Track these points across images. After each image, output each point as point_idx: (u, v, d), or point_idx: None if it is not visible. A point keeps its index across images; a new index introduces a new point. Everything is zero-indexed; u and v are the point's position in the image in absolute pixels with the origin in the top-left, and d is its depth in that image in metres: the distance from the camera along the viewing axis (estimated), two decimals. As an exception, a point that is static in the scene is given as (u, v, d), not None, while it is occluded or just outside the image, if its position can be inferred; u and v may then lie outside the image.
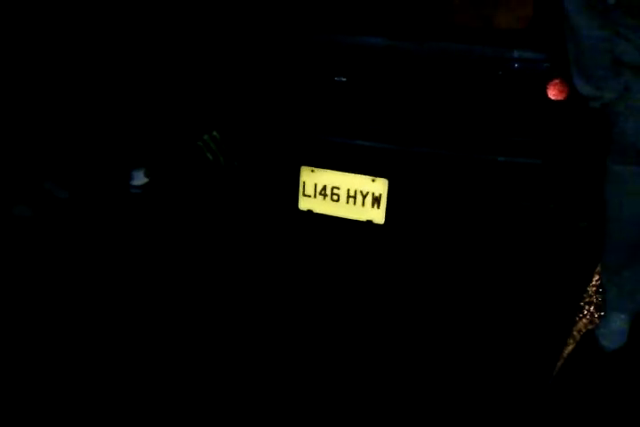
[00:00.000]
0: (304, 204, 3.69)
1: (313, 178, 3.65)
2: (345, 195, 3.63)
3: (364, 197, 3.60)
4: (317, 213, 3.68)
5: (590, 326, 3.24)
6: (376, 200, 3.58)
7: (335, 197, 3.64)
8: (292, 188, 3.67)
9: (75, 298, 3.43)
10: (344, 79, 3.58)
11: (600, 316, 3.25)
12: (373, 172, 3.56)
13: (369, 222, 3.60)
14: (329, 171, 3.64)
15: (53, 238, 3.96)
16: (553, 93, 3.30)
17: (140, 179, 4.46)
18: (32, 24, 3.86)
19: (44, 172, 4.20)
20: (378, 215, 3.60)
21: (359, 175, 3.59)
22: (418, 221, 3.65)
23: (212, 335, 3.19)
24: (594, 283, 3.55)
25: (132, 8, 4.12)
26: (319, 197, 3.66)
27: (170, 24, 4.19)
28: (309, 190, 3.67)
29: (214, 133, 3.81)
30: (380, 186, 3.56)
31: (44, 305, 3.36)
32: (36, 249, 3.85)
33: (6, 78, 3.82)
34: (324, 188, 3.65)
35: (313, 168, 3.64)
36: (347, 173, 3.61)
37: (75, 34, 4.01)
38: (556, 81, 3.28)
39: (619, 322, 3.10)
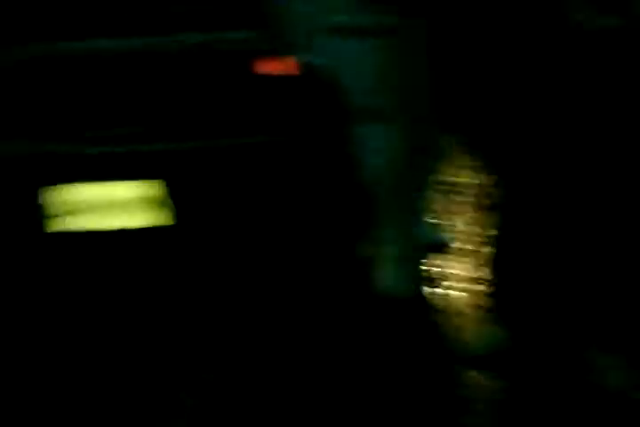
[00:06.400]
0: (58, 224, 3.42)
1: (64, 195, 3.41)
2: (105, 205, 3.42)
3: (137, 202, 3.42)
4: (83, 231, 3.42)
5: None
6: (151, 203, 3.41)
7: (95, 210, 3.42)
8: (38, 209, 3.42)
9: None
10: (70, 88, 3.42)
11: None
12: (142, 175, 3.41)
13: (154, 227, 3.42)
14: (83, 183, 3.42)
15: None
16: (266, 68, 3.29)
17: None
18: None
19: None
20: (160, 218, 3.43)
21: (116, 181, 3.42)
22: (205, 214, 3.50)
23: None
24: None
25: None
26: (75, 214, 3.42)
27: None
28: (60, 210, 3.41)
29: None
30: (150, 188, 3.41)
31: None
32: None
33: None
34: (77, 203, 3.41)
35: (63, 184, 3.40)
36: (103, 182, 3.43)
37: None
38: (266, 57, 3.28)
39: (392, 266, 3.25)
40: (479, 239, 2.93)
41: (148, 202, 3.41)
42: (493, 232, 2.75)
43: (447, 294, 3.28)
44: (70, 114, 3.44)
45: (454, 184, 3.32)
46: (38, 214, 3.39)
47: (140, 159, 3.42)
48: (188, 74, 3.38)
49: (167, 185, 3.39)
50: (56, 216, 3.41)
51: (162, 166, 3.42)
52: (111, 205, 3.43)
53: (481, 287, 2.87)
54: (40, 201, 3.39)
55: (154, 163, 3.42)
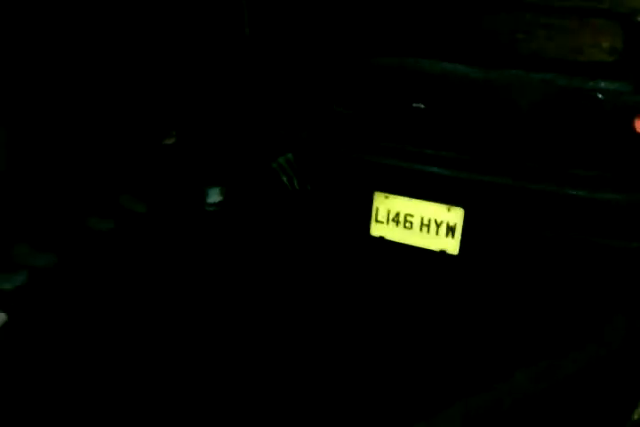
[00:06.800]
0: (376, 230, 3.66)
1: (386, 204, 3.62)
2: (418, 223, 3.58)
3: (439, 226, 3.53)
4: (389, 240, 3.64)
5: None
6: (450, 230, 3.51)
7: (408, 225, 3.59)
8: (364, 213, 3.65)
9: (152, 310, 3.52)
10: (422, 106, 3.57)
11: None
12: (449, 200, 3.49)
13: (442, 252, 3.52)
14: (403, 197, 3.60)
15: (131, 252, 4.09)
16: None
17: (215, 197, 4.57)
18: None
19: (121, 184, 4.36)
20: (452, 245, 3.52)
21: (434, 203, 3.53)
22: (493, 252, 3.54)
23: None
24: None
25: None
26: (392, 224, 3.63)
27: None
28: (382, 216, 3.64)
29: (289, 156, 3.86)
30: (455, 215, 3.49)
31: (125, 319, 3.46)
32: (113, 262, 3.97)
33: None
34: (398, 214, 3.61)
35: (387, 194, 3.61)
36: (421, 201, 3.56)
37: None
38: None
39: None
40: None
41: (450, 228, 3.49)
42: None
43: None
44: (419, 133, 3.63)
45: None
46: (368, 217, 3.66)
47: (465, 188, 3.49)
48: (549, 114, 3.37)
49: (467, 217, 3.45)
50: (380, 222, 3.63)
51: (481, 199, 3.47)
52: (420, 223, 3.55)
53: None
54: (371, 206, 3.66)
55: (474, 194, 3.48)
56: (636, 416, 2.83)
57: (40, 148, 3.77)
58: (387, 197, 3.62)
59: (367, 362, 3.19)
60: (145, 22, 4.20)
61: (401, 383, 3.03)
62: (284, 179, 3.89)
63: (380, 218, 3.65)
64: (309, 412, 2.82)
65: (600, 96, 3.26)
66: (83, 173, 4.05)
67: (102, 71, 4.02)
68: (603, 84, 3.28)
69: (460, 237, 3.49)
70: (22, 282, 3.66)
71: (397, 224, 3.62)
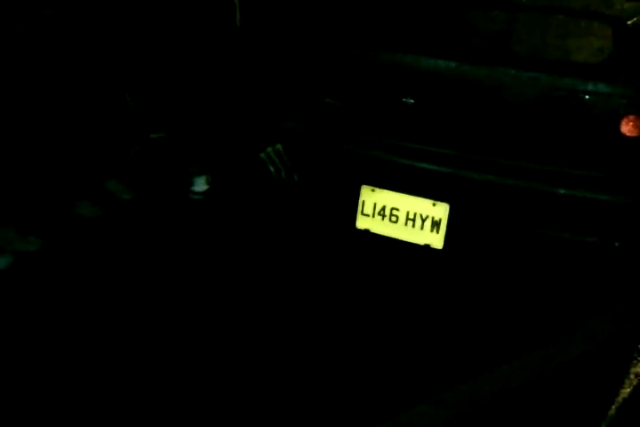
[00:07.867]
0: (362, 223, 3.69)
1: (373, 197, 3.64)
2: (404, 217, 3.60)
3: (424, 220, 3.56)
4: (374, 233, 3.67)
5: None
6: (435, 225, 3.54)
7: (394, 219, 3.62)
8: (350, 206, 3.67)
9: (136, 298, 3.53)
10: (412, 101, 3.59)
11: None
12: (435, 195, 3.52)
13: (426, 247, 3.55)
14: (390, 191, 3.63)
15: (115, 238, 4.09)
16: (627, 129, 3.24)
17: (201, 186, 4.57)
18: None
19: (108, 171, 4.35)
20: (436, 240, 3.55)
21: (420, 198, 3.56)
22: (477, 248, 3.58)
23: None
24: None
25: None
26: (377, 217, 3.65)
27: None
28: (368, 210, 3.66)
29: (278, 147, 3.87)
30: (440, 210, 3.52)
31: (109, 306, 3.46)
32: (98, 248, 3.97)
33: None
34: (384, 208, 3.63)
35: (374, 187, 3.64)
36: (407, 195, 3.59)
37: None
38: (632, 117, 3.22)
39: None
40: None
41: (435, 223, 3.53)
42: None
43: None
44: (408, 128, 3.65)
45: None
46: (354, 210, 3.69)
47: (451, 184, 3.53)
48: (536, 113, 3.41)
49: (452, 212, 3.49)
50: (366, 215, 3.66)
51: (467, 195, 3.50)
52: (405, 217, 3.58)
53: None
54: (358, 198, 3.68)
55: (460, 189, 3.52)
56: (612, 411, 2.87)
57: (27, 133, 3.75)
58: (373, 191, 3.64)
59: (346, 352, 3.23)
60: (134, 12, 4.19)
61: (381, 374, 3.06)
62: (272, 169, 3.90)
63: (366, 211, 3.67)
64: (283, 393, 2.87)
65: (587, 97, 3.30)
66: (70, 159, 4.04)
67: (91, 61, 4.01)
68: (590, 86, 3.31)
69: (444, 232, 3.52)
70: (6, 265, 3.66)
71: (383, 218, 3.64)
